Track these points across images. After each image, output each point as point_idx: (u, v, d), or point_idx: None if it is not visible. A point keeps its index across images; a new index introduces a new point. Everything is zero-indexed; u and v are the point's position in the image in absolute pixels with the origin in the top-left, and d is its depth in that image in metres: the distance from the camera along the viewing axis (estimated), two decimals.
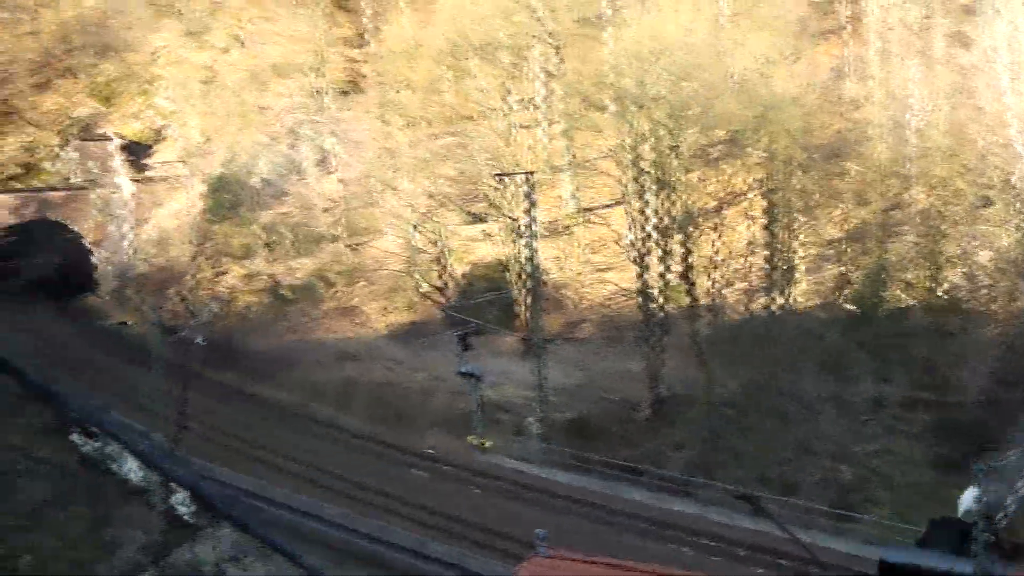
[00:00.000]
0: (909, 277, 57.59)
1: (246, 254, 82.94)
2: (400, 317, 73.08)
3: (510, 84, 72.81)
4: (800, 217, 60.01)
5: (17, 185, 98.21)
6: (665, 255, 57.00)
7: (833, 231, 61.62)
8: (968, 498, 26.70)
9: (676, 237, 57.67)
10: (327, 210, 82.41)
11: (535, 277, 59.12)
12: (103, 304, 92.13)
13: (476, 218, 74.24)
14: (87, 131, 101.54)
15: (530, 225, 58.12)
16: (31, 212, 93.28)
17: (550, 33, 73.24)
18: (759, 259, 59.58)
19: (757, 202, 61.52)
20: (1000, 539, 24.61)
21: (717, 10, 71.00)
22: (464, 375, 55.62)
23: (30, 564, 37.37)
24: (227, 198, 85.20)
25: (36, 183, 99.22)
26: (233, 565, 42.13)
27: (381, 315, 74.03)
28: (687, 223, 57.75)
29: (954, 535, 25.45)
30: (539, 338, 56.07)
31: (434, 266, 72.48)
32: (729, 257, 59.17)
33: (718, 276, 57.87)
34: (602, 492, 48.19)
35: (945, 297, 56.00)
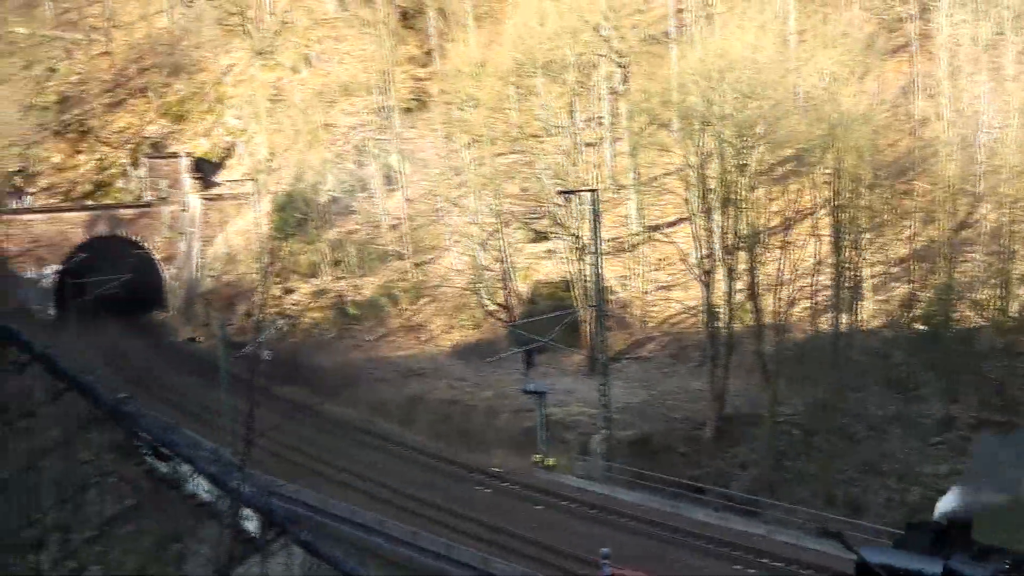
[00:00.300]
0: (978, 296, 56.86)
1: (312, 271, 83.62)
2: (465, 335, 73.24)
3: (576, 102, 72.86)
4: (867, 236, 59.44)
5: (89, 202, 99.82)
6: (730, 273, 56.65)
7: (901, 250, 61.00)
8: (945, 502, 28.13)
9: (742, 255, 57.32)
10: (393, 227, 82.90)
11: (600, 295, 59.02)
12: (172, 320, 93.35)
13: (541, 236, 74.30)
14: (157, 149, 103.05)
15: (595, 243, 58.04)
16: (102, 229, 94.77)
17: (616, 52, 73.22)
18: (825, 278, 59.05)
19: (824, 220, 61.04)
20: (972, 541, 26.59)
21: (784, 28, 70.64)
22: (529, 393, 55.68)
23: None
24: (294, 215, 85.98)
25: (107, 200, 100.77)
26: None
27: (446, 332, 74.25)
28: (753, 241, 57.39)
29: (929, 537, 27.25)
30: (604, 356, 55.99)
31: (499, 284, 72.60)
32: (795, 276, 58.71)
33: (784, 295, 57.41)
34: (666, 511, 48.00)
35: (1015, 316, 55.23)
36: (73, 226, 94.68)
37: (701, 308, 59.75)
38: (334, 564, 3.16)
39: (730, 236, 57.11)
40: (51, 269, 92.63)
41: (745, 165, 57.75)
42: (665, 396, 58.16)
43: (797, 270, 58.36)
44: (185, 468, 3.34)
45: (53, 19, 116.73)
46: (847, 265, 57.73)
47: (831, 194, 59.46)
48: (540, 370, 58.69)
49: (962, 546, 26.62)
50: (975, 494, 27.32)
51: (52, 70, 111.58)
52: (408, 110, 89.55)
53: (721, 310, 57.32)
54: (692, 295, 63.54)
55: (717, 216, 58.34)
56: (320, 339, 77.13)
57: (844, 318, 57.18)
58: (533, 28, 74.93)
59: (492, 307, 71.79)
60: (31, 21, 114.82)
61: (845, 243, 57.56)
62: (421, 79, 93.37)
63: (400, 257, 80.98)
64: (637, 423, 55.61)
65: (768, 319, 57.52)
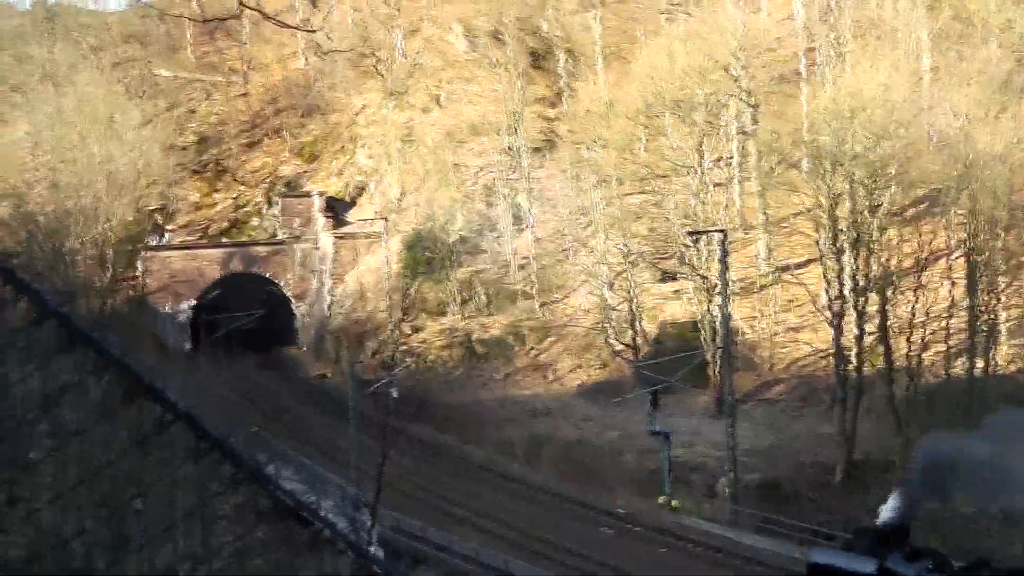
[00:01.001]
0: None
1: (440, 309, 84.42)
2: (592, 374, 73.21)
3: (705, 142, 72.66)
4: (1004, 279, 58.15)
5: (225, 240, 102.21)
6: (861, 316, 55.84)
7: None
8: (886, 509, 31.60)
9: (873, 297, 56.49)
10: (521, 267, 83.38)
11: (727, 336, 58.58)
12: (302, 356, 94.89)
13: (669, 276, 74.07)
14: (291, 188, 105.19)
15: (723, 284, 57.70)
16: (237, 266, 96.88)
17: (746, 91, 72.91)
18: (959, 321, 57.89)
19: (958, 263, 59.90)
20: (907, 543, 30.00)
21: (917, 66, 69.66)
22: (655, 434, 55.40)
23: None
24: (423, 254, 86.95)
25: (242, 238, 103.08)
26: None
27: (572, 372, 74.30)
28: (884, 283, 56.54)
29: (870, 539, 30.72)
30: (731, 398, 55.51)
31: (626, 324, 72.46)
32: (928, 319, 57.66)
33: (916, 338, 56.38)
34: (794, 556, 47.24)
35: None
36: (209, 263, 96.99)
37: (831, 350, 58.94)
38: None
39: (861, 278, 56.36)
40: (187, 304, 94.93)
41: (877, 206, 57.00)
42: (793, 439, 57.38)
43: (930, 313, 57.31)
44: (307, 497, 3.48)
45: (194, 62, 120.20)
46: (982, 308, 56.54)
47: (966, 236, 58.37)
48: (666, 411, 58.33)
49: (898, 548, 29.66)
50: (911, 501, 31.08)
51: (192, 111, 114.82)
52: (537, 150, 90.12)
53: (851, 353, 56.50)
54: (821, 337, 62.70)
55: (848, 257, 57.62)
56: (447, 377, 77.76)
57: (979, 362, 55.96)
58: (662, 68, 74.99)
59: (619, 347, 71.66)
60: (173, 65, 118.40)
61: (980, 286, 56.41)
62: (550, 119, 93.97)
63: (528, 296, 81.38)
64: (764, 466, 54.97)
65: (899, 362, 56.52)
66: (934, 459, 30.63)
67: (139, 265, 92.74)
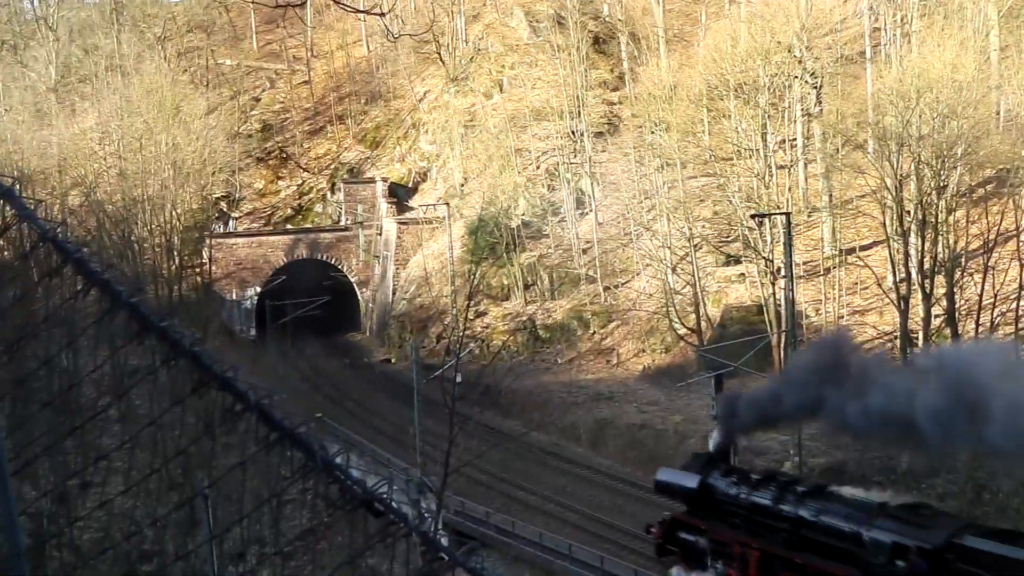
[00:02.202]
0: None
1: (504, 294, 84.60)
2: (655, 359, 73.06)
3: (768, 124, 72.15)
4: None
5: (290, 227, 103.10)
6: (928, 298, 55.27)
7: None
8: (712, 439, 40.87)
9: (940, 279, 55.88)
10: (584, 251, 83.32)
11: (792, 320, 58.20)
12: (366, 341, 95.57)
13: (733, 259, 73.72)
14: (354, 175, 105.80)
15: (788, 267, 57.30)
16: (301, 252, 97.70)
17: (810, 72, 72.28)
18: None
19: None
20: (728, 464, 39.47)
21: (986, 44, 68.67)
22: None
23: None
24: (486, 239, 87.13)
25: (306, 225, 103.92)
26: None
27: (636, 356, 74.20)
28: (952, 265, 55.91)
29: (701, 461, 39.32)
30: None
31: (690, 308, 72.20)
32: (996, 300, 56.92)
33: (984, 320, 55.68)
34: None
35: None
36: (274, 249, 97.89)
37: (897, 334, 58.40)
38: None
39: (928, 260, 55.78)
40: (253, 291, 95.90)
41: (944, 187, 56.38)
42: None
43: (998, 295, 56.61)
44: (375, 481, 3.54)
45: (257, 51, 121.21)
46: None
47: None
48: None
49: (718, 468, 38.50)
50: (725, 432, 39.87)
51: (256, 99, 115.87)
52: (599, 134, 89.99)
53: (918, 336, 55.96)
54: (887, 320, 62.14)
55: (914, 239, 57.05)
56: (511, 362, 77.95)
57: None
58: (725, 50, 74.55)
59: (682, 331, 71.42)
60: (237, 53, 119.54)
61: None
62: (612, 103, 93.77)
63: (591, 281, 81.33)
64: (830, 450, 54.60)
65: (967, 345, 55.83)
66: (728, 398, 41.37)
67: (205, 252, 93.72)
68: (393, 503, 3.42)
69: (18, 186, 3.89)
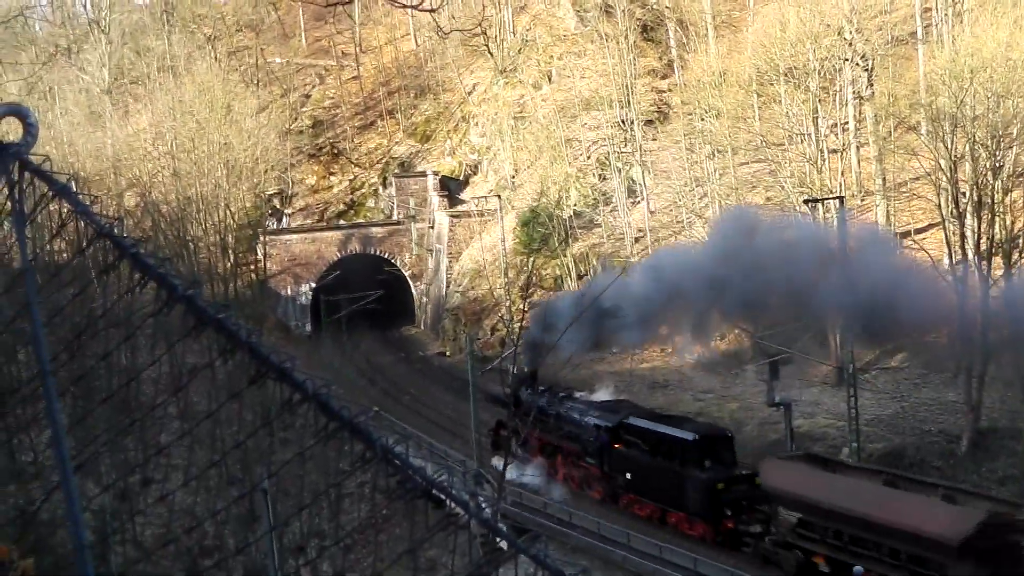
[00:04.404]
0: None
1: (557, 285, 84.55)
2: (710, 346, 72.80)
3: (819, 108, 71.63)
4: None
5: (342, 222, 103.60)
6: (985, 280, 54.62)
7: None
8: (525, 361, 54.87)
9: (997, 261, 55.23)
10: (636, 239, 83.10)
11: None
12: (421, 335, 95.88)
13: None
14: (405, 169, 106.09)
15: (842, 251, 56.80)
16: (354, 247, 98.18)
17: (860, 55, 71.65)
18: None
19: None
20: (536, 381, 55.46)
21: None
22: (775, 405, 54.89)
23: None
24: (538, 230, 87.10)
25: (359, 220, 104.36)
26: None
27: (691, 344, 73.90)
28: (1009, 246, 55.25)
29: (518, 382, 54.81)
30: (852, 367, 54.73)
31: None
32: None
33: None
34: None
35: None
36: (328, 245, 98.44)
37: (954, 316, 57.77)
38: None
39: (984, 241, 55.14)
40: (307, 287, 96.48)
41: (1000, 167, 55.71)
42: (917, 408, 56.48)
43: None
44: (430, 473, 3.55)
45: (306, 48, 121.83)
46: None
47: None
48: (786, 382, 57.72)
49: (529, 385, 55.36)
50: (532, 355, 54.36)
51: (306, 96, 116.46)
52: (649, 122, 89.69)
53: (977, 318, 55.33)
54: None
55: (970, 220, 56.41)
56: (566, 353, 77.79)
57: None
58: (774, 35, 74.09)
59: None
60: (287, 51, 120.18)
61: None
62: (662, 91, 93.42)
63: None
64: (887, 435, 54.24)
65: None
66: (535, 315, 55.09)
67: (259, 249, 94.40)
68: (451, 491, 3.43)
69: (73, 183, 3.94)
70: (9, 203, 3.94)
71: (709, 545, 44.69)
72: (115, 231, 3.65)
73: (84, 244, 3.72)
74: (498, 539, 3.41)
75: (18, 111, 4.07)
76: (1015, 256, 55.62)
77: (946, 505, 37.61)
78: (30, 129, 4.01)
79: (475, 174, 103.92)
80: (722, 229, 57.14)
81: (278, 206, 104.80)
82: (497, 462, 55.01)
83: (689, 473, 45.14)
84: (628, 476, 48.85)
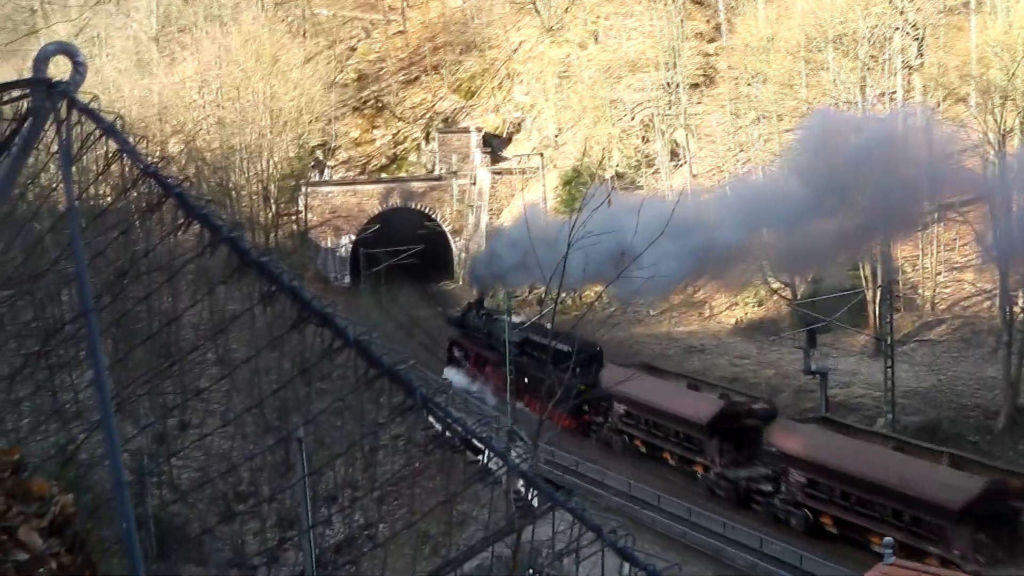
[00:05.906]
0: None
1: None
2: (748, 312, 72.60)
3: (868, 77, 70.91)
4: None
5: (384, 176, 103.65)
6: None
7: None
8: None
9: None
10: (677, 203, 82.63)
11: (888, 275, 57.40)
12: (460, 290, 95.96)
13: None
14: (448, 125, 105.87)
15: (885, 221, 56.38)
16: (395, 201, 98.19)
17: (911, 24, 70.82)
18: None
19: None
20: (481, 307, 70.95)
21: None
22: (811, 373, 54.68)
23: (384, 534, 39.76)
24: (580, 190, 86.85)
25: (401, 174, 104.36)
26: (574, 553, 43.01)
27: (728, 310, 73.76)
28: None
29: (468, 307, 72.32)
30: (890, 338, 54.43)
31: None
32: None
33: None
34: None
35: None
36: (368, 198, 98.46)
37: (996, 291, 57.34)
38: (598, 533, 3.30)
39: None
40: (347, 239, 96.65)
41: None
42: (954, 382, 56.16)
43: None
44: (464, 428, 3.53)
45: (353, 1, 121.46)
46: None
47: None
48: (824, 350, 57.51)
49: (476, 309, 69.50)
50: (480, 284, 71.52)
51: (352, 49, 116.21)
52: (695, 86, 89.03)
53: (1018, 294, 54.91)
54: (986, 277, 61.00)
55: (1017, 195, 55.79)
56: (602, 313, 77.76)
57: None
58: (824, 1, 73.30)
59: (776, 285, 70.76)
60: (334, 3, 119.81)
61: None
62: (709, 55, 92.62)
63: None
64: (924, 408, 53.97)
65: None
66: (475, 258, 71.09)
67: (301, 200, 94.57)
68: (491, 443, 3.42)
69: (120, 122, 3.94)
70: (56, 143, 3.95)
71: (574, 433, 55.60)
72: (160, 170, 3.66)
73: (129, 184, 3.73)
74: (534, 492, 3.41)
75: (67, 49, 4.07)
76: None
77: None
78: (79, 68, 4.01)
79: (518, 132, 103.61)
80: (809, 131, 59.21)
81: (321, 158, 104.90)
82: (448, 372, 67.29)
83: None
84: (526, 380, 57.50)
